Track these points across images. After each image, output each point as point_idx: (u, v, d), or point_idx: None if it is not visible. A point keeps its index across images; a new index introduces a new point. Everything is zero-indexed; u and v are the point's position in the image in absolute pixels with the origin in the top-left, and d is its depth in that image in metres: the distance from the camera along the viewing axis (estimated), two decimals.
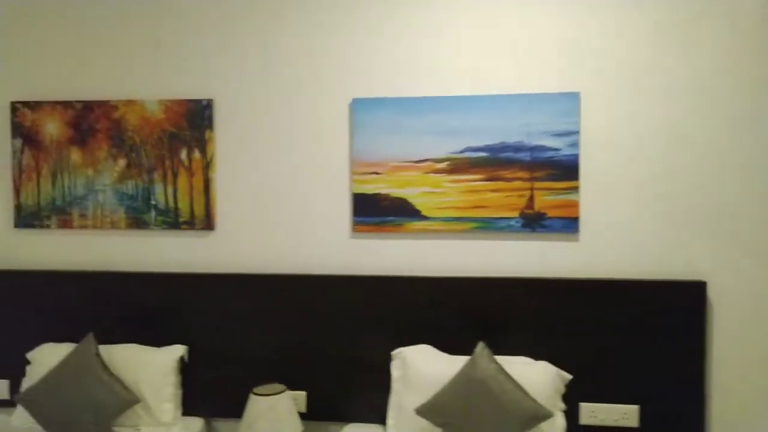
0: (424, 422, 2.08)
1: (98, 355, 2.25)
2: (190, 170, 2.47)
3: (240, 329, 2.42)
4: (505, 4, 2.31)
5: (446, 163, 2.35)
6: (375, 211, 2.40)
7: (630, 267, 2.29)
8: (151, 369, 2.31)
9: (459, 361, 2.16)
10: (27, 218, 2.55)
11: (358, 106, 2.39)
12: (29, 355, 2.42)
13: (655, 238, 2.28)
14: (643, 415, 2.23)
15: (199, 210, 2.47)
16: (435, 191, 2.36)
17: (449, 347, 2.27)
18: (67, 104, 2.50)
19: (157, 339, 2.41)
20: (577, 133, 2.27)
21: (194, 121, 2.45)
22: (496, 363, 2.08)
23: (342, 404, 2.38)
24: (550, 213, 2.31)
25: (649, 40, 2.25)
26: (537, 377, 2.12)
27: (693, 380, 2.21)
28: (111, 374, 2.22)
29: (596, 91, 2.28)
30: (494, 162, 2.32)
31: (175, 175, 2.47)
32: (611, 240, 2.30)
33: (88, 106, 2.49)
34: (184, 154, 2.46)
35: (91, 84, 2.51)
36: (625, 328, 2.23)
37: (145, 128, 2.47)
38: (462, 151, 2.34)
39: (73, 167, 2.52)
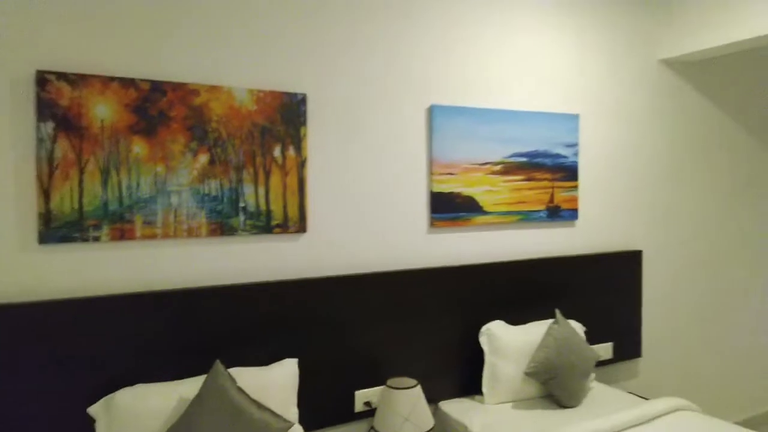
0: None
1: (240, 389, 1.90)
2: (283, 169, 2.25)
3: (344, 333, 2.36)
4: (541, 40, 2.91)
5: (500, 166, 2.80)
6: (449, 208, 2.67)
7: (601, 242, 3.19)
8: (273, 390, 2.07)
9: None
10: (61, 230, 1.87)
11: (436, 111, 2.61)
12: (92, 410, 1.84)
13: (615, 222, 3.24)
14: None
15: (293, 211, 2.28)
16: (493, 189, 2.78)
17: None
18: (127, 82, 1.95)
19: (248, 357, 2.16)
20: (577, 145, 3.03)
21: (288, 115, 2.25)
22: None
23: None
24: (563, 206, 3.01)
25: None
26: None
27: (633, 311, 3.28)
28: (261, 405, 1.92)
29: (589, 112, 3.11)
30: (530, 166, 2.89)
31: (267, 174, 2.22)
32: (595, 225, 3.16)
33: (159, 88, 2.00)
34: (277, 151, 2.23)
35: (158, 59, 2.02)
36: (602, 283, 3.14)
37: (234, 120, 2.14)
38: (510, 156, 2.83)
39: (135, 162, 1.98)
